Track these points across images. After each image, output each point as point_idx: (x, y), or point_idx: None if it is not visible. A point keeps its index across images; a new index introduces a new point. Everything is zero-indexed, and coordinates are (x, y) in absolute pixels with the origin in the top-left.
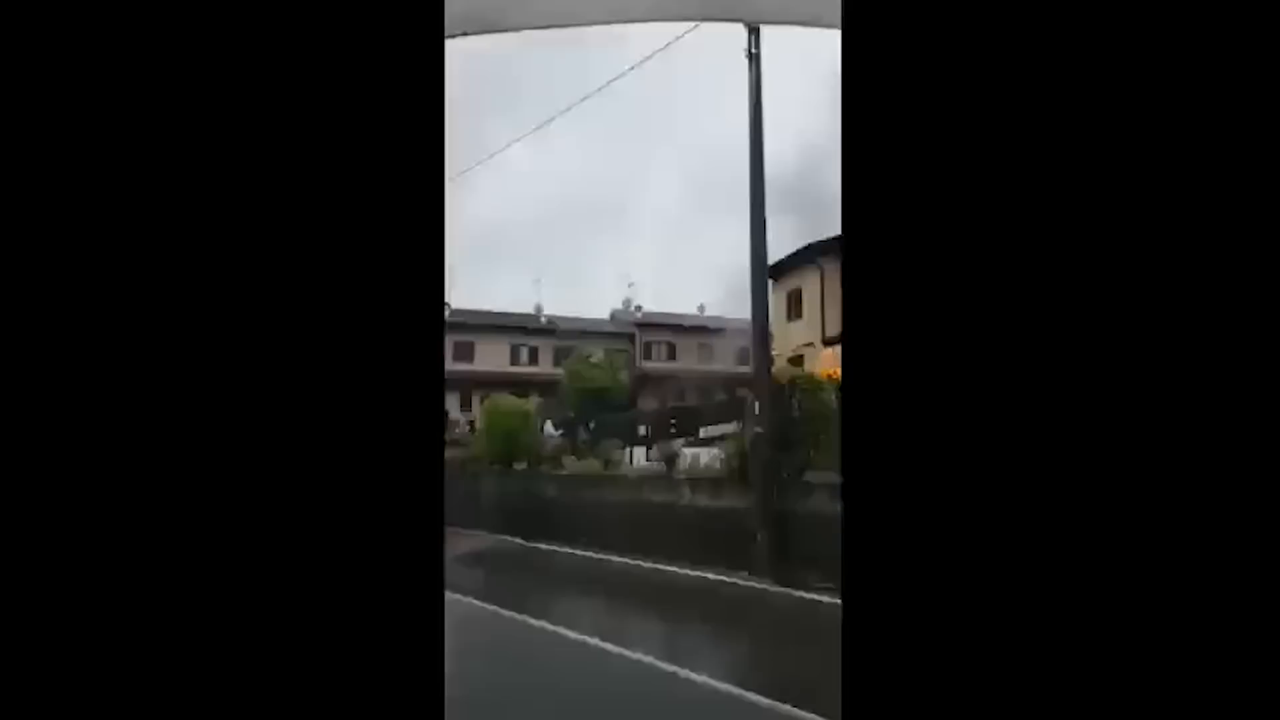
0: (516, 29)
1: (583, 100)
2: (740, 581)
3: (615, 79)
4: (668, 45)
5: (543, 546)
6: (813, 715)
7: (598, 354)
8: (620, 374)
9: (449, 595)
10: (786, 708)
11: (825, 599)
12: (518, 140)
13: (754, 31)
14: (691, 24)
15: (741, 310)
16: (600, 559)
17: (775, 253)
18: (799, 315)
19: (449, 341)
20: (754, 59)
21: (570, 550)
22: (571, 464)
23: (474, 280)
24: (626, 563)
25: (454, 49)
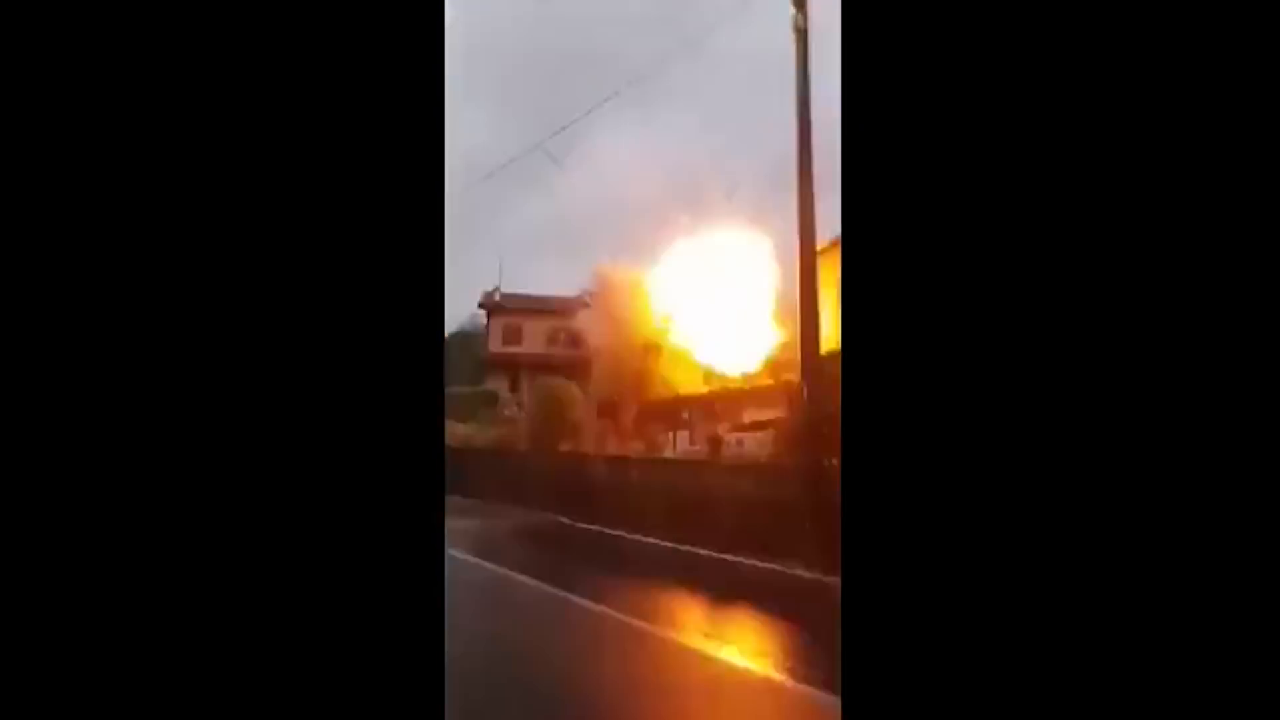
0: None
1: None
2: (803, 573)
3: (666, 57)
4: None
5: (588, 527)
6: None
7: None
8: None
9: (509, 574)
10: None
11: None
12: (581, 117)
13: (800, 6)
14: None
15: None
16: (645, 542)
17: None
18: None
19: (499, 325)
20: (801, 35)
21: (615, 532)
22: (612, 446)
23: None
24: (675, 548)
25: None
